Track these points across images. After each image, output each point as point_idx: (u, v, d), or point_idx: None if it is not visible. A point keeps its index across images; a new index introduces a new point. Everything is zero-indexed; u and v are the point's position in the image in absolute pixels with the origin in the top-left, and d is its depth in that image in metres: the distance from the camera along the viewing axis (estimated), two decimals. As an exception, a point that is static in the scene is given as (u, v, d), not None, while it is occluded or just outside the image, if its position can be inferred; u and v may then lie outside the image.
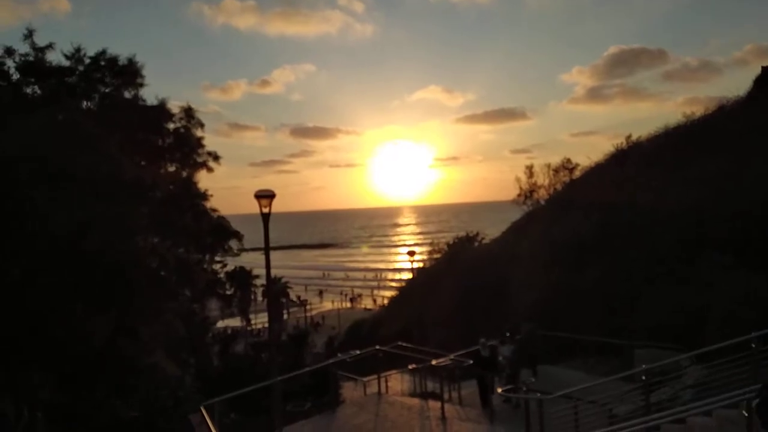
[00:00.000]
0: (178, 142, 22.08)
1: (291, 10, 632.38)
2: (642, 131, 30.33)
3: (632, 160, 23.65)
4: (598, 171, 26.34)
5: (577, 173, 29.73)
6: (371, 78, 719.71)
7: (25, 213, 12.81)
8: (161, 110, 21.54)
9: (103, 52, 20.63)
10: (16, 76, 19.78)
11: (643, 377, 9.67)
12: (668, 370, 11.10)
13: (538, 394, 10.32)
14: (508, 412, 12.79)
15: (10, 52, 19.56)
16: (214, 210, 24.18)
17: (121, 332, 14.15)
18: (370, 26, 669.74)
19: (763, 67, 23.41)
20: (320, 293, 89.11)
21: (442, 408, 12.18)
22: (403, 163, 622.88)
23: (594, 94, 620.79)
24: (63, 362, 11.78)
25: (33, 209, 12.61)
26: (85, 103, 20.38)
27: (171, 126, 22.21)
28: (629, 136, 26.50)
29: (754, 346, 9.14)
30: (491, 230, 43.37)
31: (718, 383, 9.70)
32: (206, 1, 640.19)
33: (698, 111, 24.30)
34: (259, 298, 55.04)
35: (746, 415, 6.67)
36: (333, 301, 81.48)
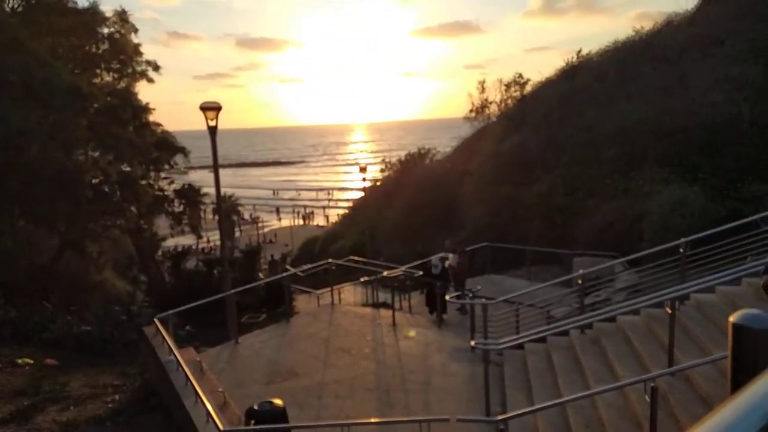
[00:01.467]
0: (114, 49, 20.52)
1: None
2: (594, 46, 30.37)
3: (581, 76, 23.86)
4: (548, 86, 26.49)
5: (528, 89, 29.82)
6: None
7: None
8: (93, 13, 19.76)
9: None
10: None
11: (579, 282, 10.32)
12: (603, 275, 11.89)
13: (483, 300, 10.95)
14: (455, 317, 13.53)
15: None
16: (158, 124, 23.14)
17: (67, 248, 13.83)
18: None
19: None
20: (275, 211, 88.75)
21: (393, 316, 12.72)
22: (354, 80, 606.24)
23: (549, 7, 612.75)
24: (10, 276, 11.49)
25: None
26: (8, 3, 18.47)
27: (105, 31, 20.56)
28: (579, 51, 26.57)
29: (682, 251, 9.80)
30: (443, 147, 43.59)
31: (648, 286, 10.50)
32: None
33: (648, 25, 24.45)
34: (210, 216, 54.32)
35: (669, 312, 7.30)
36: (285, 219, 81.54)
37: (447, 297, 12.52)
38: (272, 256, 35.06)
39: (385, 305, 14.43)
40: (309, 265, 18.59)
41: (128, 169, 20.58)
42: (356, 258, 19.30)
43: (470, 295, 12.45)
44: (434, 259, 14.64)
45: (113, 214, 17.66)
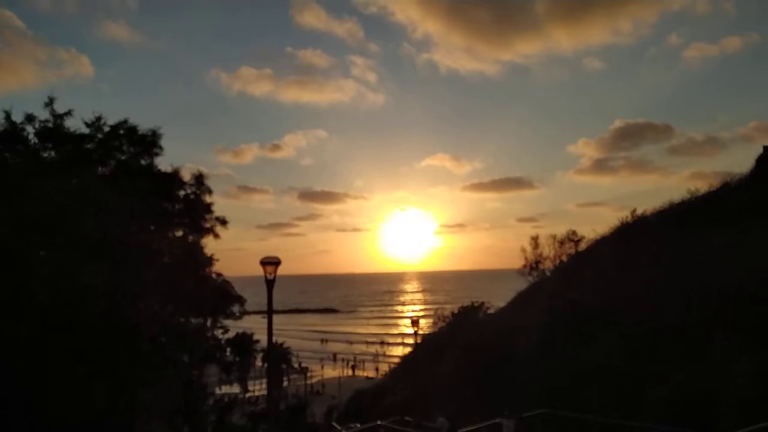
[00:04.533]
0: (188, 208, 22.40)
1: (306, 78, 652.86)
2: (647, 203, 30.57)
3: (638, 235, 23.74)
4: (603, 243, 26.39)
5: (582, 245, 29.78)
6: (381, 145, 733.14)
7: (35, 276, 12.96)
8: (174, 177, 22.02)
9: (124, 122, 21.36)
10: (34, 141, 20.42)
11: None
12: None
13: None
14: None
15: (30, 118, 20.25)
16: (219, 274, 24.21)
17: (121, 398, 13.93)
18: (381, 95, 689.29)
19: (764, 146, 23.92)
20: (321, 360, 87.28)
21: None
22: (409, 229, 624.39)
23: (600, 166, 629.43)
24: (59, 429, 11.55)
25: (42, 273, 12.76)
26: (100, 168, 20.89)
27: (182, 193, 22.64)
28: (634, 210, 26.76)
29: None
30: (496, 300, 42.95)
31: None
32: (224, 68, 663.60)
33: (703, 186, 24.65)
34: (259, 364, 53.92)
35: None
36: (335, 368, 79.74)
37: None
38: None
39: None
40: (357, 425, 17.88)
41: (185, 320, 21.21)
42: (407, 418, 18.40)
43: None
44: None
45: (167, 365, 17.88)
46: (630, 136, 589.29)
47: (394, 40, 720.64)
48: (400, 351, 71.10)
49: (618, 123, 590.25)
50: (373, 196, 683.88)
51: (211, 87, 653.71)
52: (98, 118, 21.49)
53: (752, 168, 23.39)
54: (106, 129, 21.51)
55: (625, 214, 27.01)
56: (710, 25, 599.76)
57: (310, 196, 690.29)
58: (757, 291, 15.50)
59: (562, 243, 30.75)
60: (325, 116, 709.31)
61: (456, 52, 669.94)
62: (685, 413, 13.90)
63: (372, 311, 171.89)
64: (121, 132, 21.65)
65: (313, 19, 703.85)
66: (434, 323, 41.12)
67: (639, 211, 26.55)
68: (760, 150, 24.03)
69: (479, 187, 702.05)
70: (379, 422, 15.11)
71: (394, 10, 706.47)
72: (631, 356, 18.05)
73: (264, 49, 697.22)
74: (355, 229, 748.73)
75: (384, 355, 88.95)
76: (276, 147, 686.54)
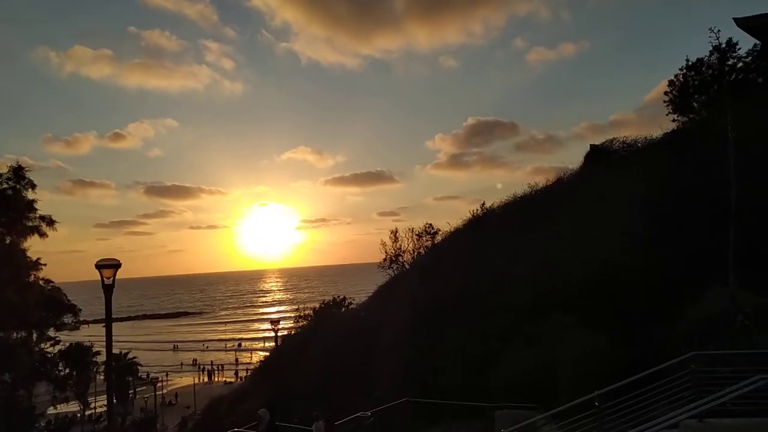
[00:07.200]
0: (4, 205, 19.31)
1: (152, 62, 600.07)
2: (497, 197, 32.78)
3: (487, 227, 25.35)
4: (457, 236, 27.79)
5: (438, 238, 31.11)
6: (239, 136, 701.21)
7: None
8: (-19, 169, 18.89)
9: None
10: None
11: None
12: (525, 431, 11.46)
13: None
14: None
15: None
16: (48, 280, 21.32)
17: None
18: (239, 84, 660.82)
19: (591, 145, 26.88)
20: (173, 369, 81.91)
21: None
22: (270, 225, 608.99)
23: (455, 161, 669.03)
24: None
25: None
26: None
27: (-4, 188, 19.50)
28: (483, 204, 28.59)
29: (597, 404, 9.75)
30: (359, 295, 43.43)
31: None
32: (53, 47, 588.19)
33: (542, 180, 27.03)
34: (100, 378, 49.01)
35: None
36: (189, 377, 75.21)
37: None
38: None
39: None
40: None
41: (5, 334, 18.35)
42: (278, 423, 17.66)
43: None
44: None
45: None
46: (482, 132, 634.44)
47: (251, 26, 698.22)
48: (261, 354, 69.07)
49: (471, 120, 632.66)
50: (230, 191, 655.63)
51: (36, 67, 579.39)
52: None
53: (581, 164, 26.16)
54: None
55: (475, 208, 28.80)
56: (550, 31, 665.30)
57: (159, 191, 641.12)
58: (584, 275, 17.23)
59: (420, 236, 31.86)
60: (175, 104, 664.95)
61: (316, 42, 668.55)
62: (529, 389, 14.96)
63: (229, 314, 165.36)
64: None
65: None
66: (296, 321, 40.44)
67: (488, 204, 28.47)
68: (588, 148, 26.99)
69: (341, 181, 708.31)
70: (235, 430, 14.25)
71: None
72: (482, 341, 19.14)
73: (101, 27, 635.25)
74: (211, 226, 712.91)
75: (243, 356, 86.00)
76: (118, 136, 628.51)
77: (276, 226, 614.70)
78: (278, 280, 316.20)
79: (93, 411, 49.61)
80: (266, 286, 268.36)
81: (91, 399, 48.21)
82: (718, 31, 15.94)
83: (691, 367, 9.81)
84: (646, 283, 16.13)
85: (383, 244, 33.16)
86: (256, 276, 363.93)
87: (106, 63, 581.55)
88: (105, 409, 49.03)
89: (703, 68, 20.78)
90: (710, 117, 19.24)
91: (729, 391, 8.36)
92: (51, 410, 33.71)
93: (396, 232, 32.90)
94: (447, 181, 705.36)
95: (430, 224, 32.39)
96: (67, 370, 24.31)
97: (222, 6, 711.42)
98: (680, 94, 21.81)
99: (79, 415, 42.21)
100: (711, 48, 19.27)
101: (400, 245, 32.45)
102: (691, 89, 21.41)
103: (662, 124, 23.78)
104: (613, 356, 13.70)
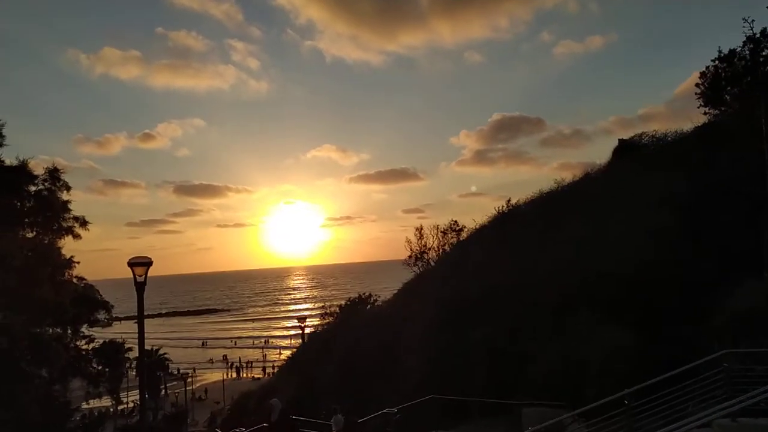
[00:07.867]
0: (40, 206, 19.90)
1: (179, 63, 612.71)
2: (522, 193, 32.52)
3: (512, 223, 25.13)
4: (482, 232, 27.63)
5: (464, 235, 30.98)
6: (265, 135, 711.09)
7: None
8: (21, 171, 19.38)
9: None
10: None
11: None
12: (552, 429, 11.38)
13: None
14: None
15: None
16: (81, 278, 21.91)
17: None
18: (264, 83, 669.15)
19: (619, 140, 26.42)
20: (203, 365, 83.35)
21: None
22: (295, 223, 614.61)
23: (480, 157, 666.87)
24: None
25: None
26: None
27: (33, 188, 20.07)
28: (509, 200, 28.33)
29: (626, 402, 9.62)
30: (384, 292, 43.50)
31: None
32: (83, 49, 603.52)
33: (568, 176, 26.67)
34: (133, 373, 50.14)
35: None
36: (218, 372, 76.43)
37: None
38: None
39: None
40: (242, 429, 17.18)
41: (41, 330, 18.94)
42: (294, 417, 17.90)
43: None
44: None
45: (19, 382, 15.82)
46: (507, 128, 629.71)
47: (276, 25, 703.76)
48: (288, 350, 69.77)
49: (496, 116, 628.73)
50: (256, 190, 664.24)
51: (68, 69, 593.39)
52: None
53: (609, 159, 25.71)
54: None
55: (500, 205, 28.56)
56: (578, 24, 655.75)
57: (187, 189, 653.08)
58: (611, 271, 16.97)
59: (445, 233, 31.79)
60: (202, 104, 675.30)
61: (341, 40, 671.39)
62: (557, 387, 14.83)
63: (257, 310, 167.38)
64: (-47, 119, 18.74)
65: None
66: (322, 319, 40.75)
67: (513, 201, 28.22)
68: (616, 142, 26.53)
69: (366, 178, 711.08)
70: (265, 425, 14.48)
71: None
72: (510, 337, 19.02)
73: (129, 28, 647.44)
74: (238, 225, 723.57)
75: (272, 352, 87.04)
76: (148, 137, 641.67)
77: (302, 223, 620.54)
78: (304, 277, 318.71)
79: (125, 406, 50.83)
80: (293, 284, 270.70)
81: (123, 394, 49.39)
82: (752, 21, 15.53)
83: (723, 365, 9.62)
84: (676, 279, 15.83)
85: (408, 241, 33.20)
86: (283, 273, 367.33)
87: (134, 64, 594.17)
88: (137, 404, 50.19)
89: (736, 59, 20.19)
90: (743, 110, 18.74)
91: (763, 390, 8.17)
92: (84, 405, 34.65)
93: (421, 229, 32.90)
94: (472, 177, 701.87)
95: (455, 221, 32.30)
96: (101, 367, 24.93)
97: (247, 5, 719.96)
98: (712, 87, 21.25)
99: (111, 410, 43.28)
100: (744, 39, 18.75)
101: (425, 242, 32.46)
102: (723, 81, 20.84)
103: (693, 118, 23.27)
104: (642, 354, 13.50)
